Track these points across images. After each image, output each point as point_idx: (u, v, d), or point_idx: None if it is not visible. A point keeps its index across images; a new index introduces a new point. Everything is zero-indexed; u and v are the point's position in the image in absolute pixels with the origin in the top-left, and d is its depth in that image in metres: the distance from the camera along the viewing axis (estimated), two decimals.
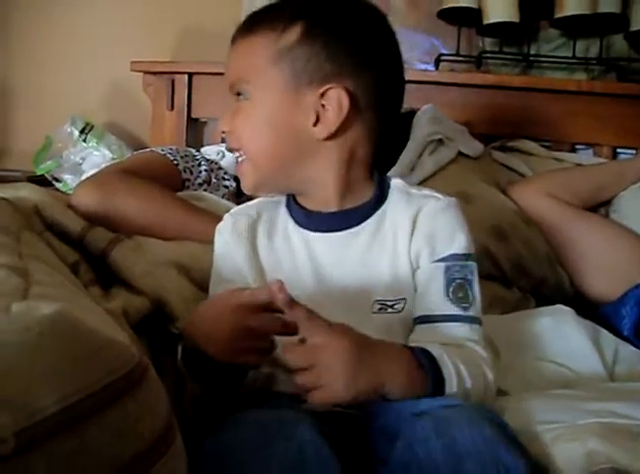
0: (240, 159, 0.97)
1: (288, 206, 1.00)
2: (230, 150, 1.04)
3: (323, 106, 0.92)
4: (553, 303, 1.39)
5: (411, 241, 0.93)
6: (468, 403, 0.82)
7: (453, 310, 0.91)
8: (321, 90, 0.91)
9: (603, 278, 1.51)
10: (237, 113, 0.96)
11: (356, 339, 0.79)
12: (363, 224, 0.95)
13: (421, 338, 0.90)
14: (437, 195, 0.97)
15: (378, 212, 0.96)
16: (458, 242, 0.93)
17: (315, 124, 0.92)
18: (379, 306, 0.91)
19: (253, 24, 0.97)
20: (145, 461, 0.50)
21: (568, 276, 1.58)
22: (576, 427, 0.84)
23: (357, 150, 0.96)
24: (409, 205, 0.95)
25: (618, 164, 1.80)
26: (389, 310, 0.91)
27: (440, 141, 1.71)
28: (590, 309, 1.45)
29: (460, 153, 1.74)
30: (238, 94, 0.97)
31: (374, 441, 0.81)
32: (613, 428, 0.83)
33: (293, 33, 0.92)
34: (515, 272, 1.56)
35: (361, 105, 0.93)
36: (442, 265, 0.92)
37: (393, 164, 1.61)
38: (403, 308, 0.92)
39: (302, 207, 0.98)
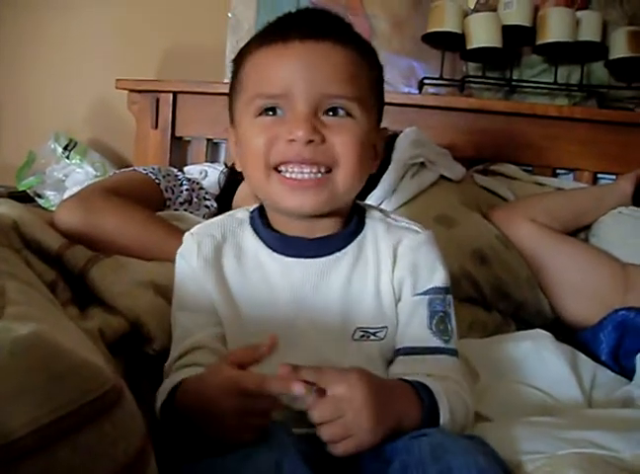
0: (319, 175, 0.88)
1: (255, 229, 0.96)
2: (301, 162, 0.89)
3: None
4: (533, 327, 1.40)
5: (394, 271, 0.93)
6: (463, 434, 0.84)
7: (436, 343, 0.91)
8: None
9: (583, 303, 1.52)
10: (334, 128, 0.88)
11: (373, 383, 0.79)
12: (344, 250, 0.93)
13: (405, 369, 0.90)
14: (415, 227, 0.96)
15: (358, 239, 0.94)
16: (439, 275, 0.94)
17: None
18: (361, 333, 0.90)
19: (332, 31, 0.90)
20: None
21: (548, 300, 1.59)
22: (556, 458, 0.84)
23: None
24: (389, 235, 0.95)
25: (598, 189, 1.82)
26: (371, 338, 0.90)
27: (423, 164, 1.72)
28: (568, 334, 1.45)
29: (442, 176, 1.75)
30: (330, 109, 0.88)
31: (369, 464, 0.80)
32: (591, 459, 0.83)
33: (365, 55, 0.93)
34: (495, 295, 1.56)
35: None
36: (426, 298, 0.93)
37: (374, 187, 1.63)
38: (385, 336, 0.91)
39: (276, 231, 0.94)
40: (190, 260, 0.95)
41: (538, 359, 1.23)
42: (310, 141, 0.85)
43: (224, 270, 0.93)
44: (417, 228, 0.96)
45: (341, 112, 0.88)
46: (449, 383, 0.88)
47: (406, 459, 0.75)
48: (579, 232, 1.71)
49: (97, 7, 2.40)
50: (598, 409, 1.15)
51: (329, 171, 0.88)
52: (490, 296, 1.56)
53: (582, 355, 1.28)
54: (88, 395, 0.50)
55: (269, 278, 0.92)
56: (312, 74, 0.86)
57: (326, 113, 0.88)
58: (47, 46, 2.44)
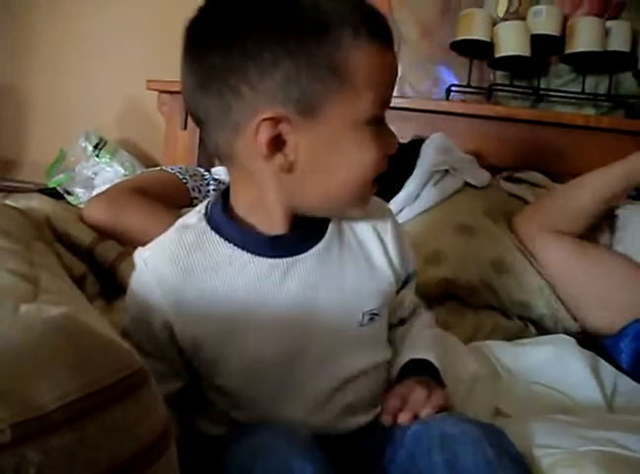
0: None
1: (224, 235, 0.84)
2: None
3: None
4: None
5: (384, 249, 0.91)
6: (475, 420, 0.83)
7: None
8: None
9: (610, 315, 1.51)
10: None
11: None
12: (325, 239, 0.86)
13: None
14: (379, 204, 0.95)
15: (331, 225, 0.88)
16: (413, 257, 1.00)
17: None
18: (369, 317, 0.88)
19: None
20: (141, 462, 0.51)
21: (571, 310, 1.58)
22: (575, 453, 0.84)
23: None
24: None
25: (621, 167, 1.65)
26: (376, 318, 0.89)
27: (447, 171, 1.73)
28: (588, 341, 1.45)
29: (467, 183, 1.75)
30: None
31: (378, 451, 0.82)
32: (613, 457, 0.83)
33: None
34: (515, 307, 1.56)
35: None
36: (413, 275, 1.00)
37: (396, 192, 1.64)
38: (384, 313, 0.92)
39: (256, 233, 0.84)
40: (150, 294, 0.83)
41: (560, 363, 1.24)
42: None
43: (203, 286, 0.82)
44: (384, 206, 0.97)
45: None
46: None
47: (414, 446, 0.77)
48: (603, 233, 1.69)
49: (130, 7, 2.45)
50: (618, 414, 1.15)
51: None
52: (510, 305, 1.56)
53: (603, 362, 1.28)
54: (117, 374, 0.52)
55: (261, 284, 0.83)
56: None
57: None
58: (81, 46, 2.48)
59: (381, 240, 0.91)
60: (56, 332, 0.51)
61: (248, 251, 0.83)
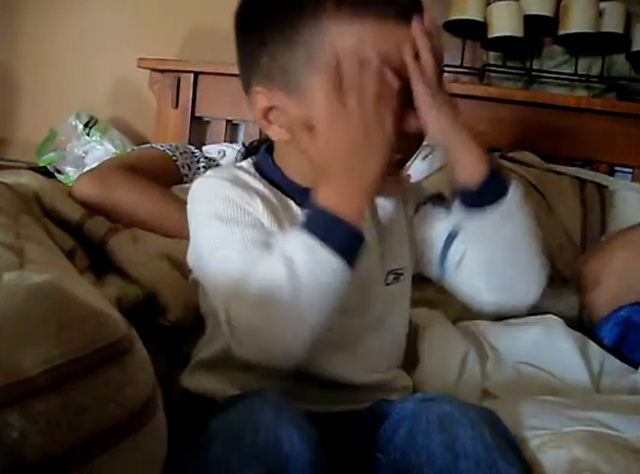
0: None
1: (276, 183, 0.89)
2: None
3: None
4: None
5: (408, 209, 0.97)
6: (472, 403, 0.85)
7: None
8: None
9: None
10: None
11: None
12: None
13: None
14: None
15: None
16: None
17: None
18: (393, 276, 0.93)
19: (421, 9, 0.83)
20: (126, 428, 0.52)
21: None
22: (562, 434, 0.85)
23: None
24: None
25: None
26: (400, 278, 0.94)
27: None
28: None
29: None
30: None
31: (373, 431, 0.82)
32: (598, 437, 0.85)
33: None
34: None
35: None
36: None
37: None
38: (407, 277, 0.96)
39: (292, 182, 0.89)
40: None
41: (549, 343, 1.24)
42: None
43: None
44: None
45: None
46: None
47: (413, 426, 0.77)
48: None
49: None
50: (605, 394, 1.15)
51: None
52: None
53: (591, 342, 1.28)
54: (100, 341, 0.52)
55: None
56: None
57: None
58: (70, 24, 2.46)
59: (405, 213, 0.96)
60: (39, 298, 0.51)
61: (292, 198, 0.88)
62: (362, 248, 0.77)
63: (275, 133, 0.86)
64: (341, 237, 0.75)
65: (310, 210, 0.78)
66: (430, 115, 0.81)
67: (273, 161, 0.91)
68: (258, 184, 0.87)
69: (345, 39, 0.78)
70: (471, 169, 0.84)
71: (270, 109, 0.84)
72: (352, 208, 0.76)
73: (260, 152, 0.93)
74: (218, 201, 0.83)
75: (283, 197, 0.88)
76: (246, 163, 0.92)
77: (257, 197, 0.84)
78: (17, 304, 0.50)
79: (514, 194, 0.85)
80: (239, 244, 0.80)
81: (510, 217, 0.85)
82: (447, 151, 0.85)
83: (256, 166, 0.91)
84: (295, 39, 0.80)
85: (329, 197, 0.76)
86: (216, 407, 0.79)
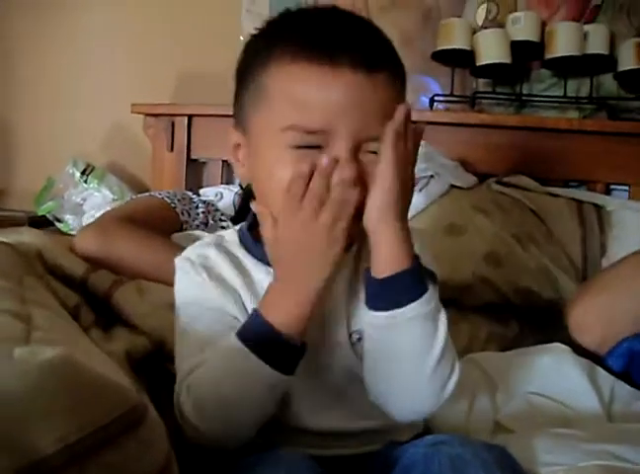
0: None
1: (248, 249, 0.90)
2: None
3: None
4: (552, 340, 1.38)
5: None
6: (484, 442, 0.83)
7: None
8: None
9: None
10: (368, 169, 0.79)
11: None
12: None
13: None
14: None
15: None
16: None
17: None
18: (357, 336, 0.87)
19: (387, 61, 0.83)
20: None
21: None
22: (576, 469, 0.85)
23: None
24: None
25: None
26: (360, 339, 0.86)
27: (432, 177, 1.74)
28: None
29: (453, 186, 1.76)
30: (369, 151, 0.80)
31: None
32: (613, 471, 0.84)
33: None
34: (517, 295, 1.56)
35: None
36: None
37: None
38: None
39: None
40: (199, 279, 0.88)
41: (558, 372, 1.24)
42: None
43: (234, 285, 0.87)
44: None
45: (374, 153, 0.80)
46: None
47: (425, 471, 0.76)
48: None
49: (111, 32, 2.45)
50: (617, 423, 1.15)
51: None
52: (513, 297, 1.55)
53: (600, 369, 1.27)
54: (113, 413, 0.52)
55: None
56: (359, 113, 0.78)
57: (363, 154, 0.80)
58: (65, 72, 2.48)
59: None
60: (52, 376, 0.51)
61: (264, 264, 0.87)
62: (299, 357, 0.78)
63: (240, 172, 0.91)
64: (275, 350, 0.76)
65: (252, 315, 0.80)
66: (373, 197, 0.78)
67: (254, 234, 0.90)
68: (234, 257, 0.89)
69: (283, 81, 0.80)
70: (382, 265, 0.79)
71: (238, 146, 0.88)
72: (294, 317, 0.77)
73: (245, 223, 0.94)
74: (181, 285, 0.91)
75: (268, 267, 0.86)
76: (230, 233, 0.95)
77: (221, 279, 0.87)
78: (30, 382, 0.50)
79: (413, 309, 0.77)
80: (187, 340, 0.86)
81: (398, 331, 0.78)
82: (371, 240, 0.79)
83: (240, 236, 0.93)
84: (249, 80, 0.84)
85: (274, 303, 0.79)
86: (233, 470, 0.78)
